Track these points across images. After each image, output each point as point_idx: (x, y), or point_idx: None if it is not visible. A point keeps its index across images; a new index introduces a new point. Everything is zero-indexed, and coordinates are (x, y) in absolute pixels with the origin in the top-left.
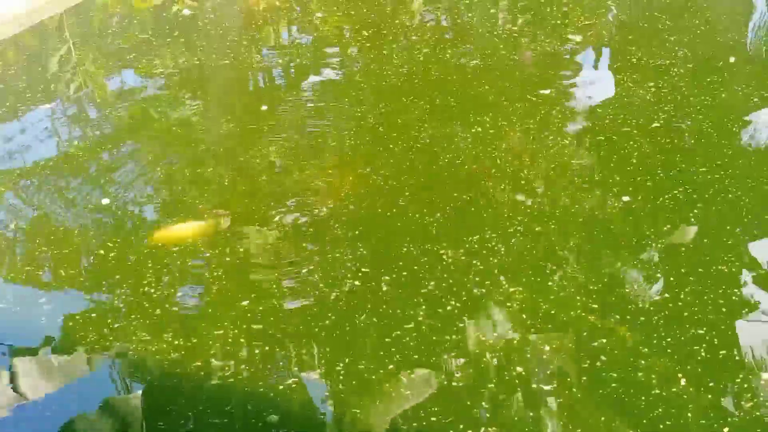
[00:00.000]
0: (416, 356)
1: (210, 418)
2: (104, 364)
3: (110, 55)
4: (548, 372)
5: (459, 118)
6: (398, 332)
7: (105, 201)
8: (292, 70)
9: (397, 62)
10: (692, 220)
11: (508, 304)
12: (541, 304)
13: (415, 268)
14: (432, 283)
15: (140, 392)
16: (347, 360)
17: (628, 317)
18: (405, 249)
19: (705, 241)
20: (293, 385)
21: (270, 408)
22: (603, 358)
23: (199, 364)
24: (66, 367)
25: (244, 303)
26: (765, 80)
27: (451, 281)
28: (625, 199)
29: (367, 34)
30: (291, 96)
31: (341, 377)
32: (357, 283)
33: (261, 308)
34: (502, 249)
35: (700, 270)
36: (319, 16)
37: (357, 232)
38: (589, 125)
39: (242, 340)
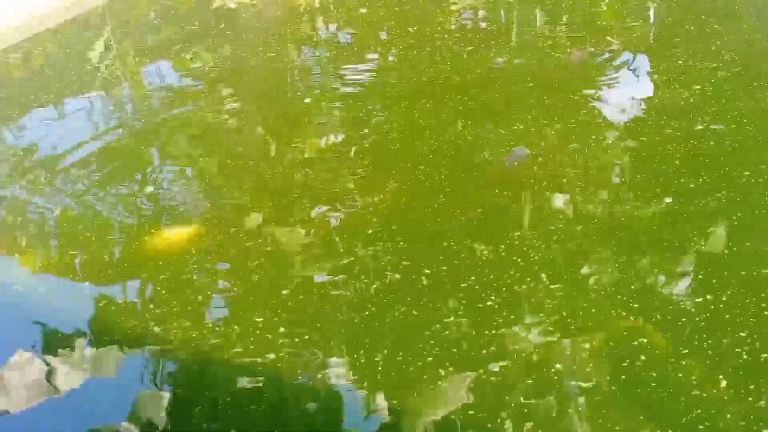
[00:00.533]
0: (455, 350)
1: (246, 405)
2: (139, 354)
3: (151, 47)
4: (586, 370)
5: (501, 115)
6: (437, 325)
7: (150, 189)
8: (333, 66)
9: (439, 59)
10: (735, 223)
11: (548, 301)
12: (580, 302)
13: (456, 263)
14: (472, 278)
15: (168, 391)
16: (386, 351)
17: (669, 318)
18: (445, 244)
19: (747, 244)
20: (332, 375)
21: (308, 397)
22: (642, 357)
23: (239, 350)
24: (101, 356)
25: (284, 292)
26: None
27: (491, 277)
28: (668, 200)
29: (410, 31)
30: (332, 91)
31: (379, 368)
32: (397, 276)
33: (301, 297)
34: (543, 246)
35: (742, 273)
36: (362, 11)
37: (395, 227)
38: (632, 126)
39: (282, 329)
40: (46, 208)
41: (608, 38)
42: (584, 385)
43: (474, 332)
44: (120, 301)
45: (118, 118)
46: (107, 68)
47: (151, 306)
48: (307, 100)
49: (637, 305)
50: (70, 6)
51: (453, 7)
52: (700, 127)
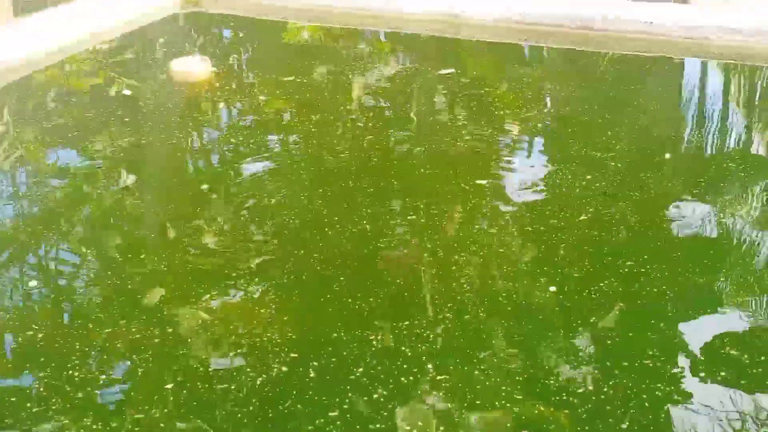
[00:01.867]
0: None
1: None
2: None
3: (47, 133)
4: None
5: (397, 203)
6: (322, 420)
7: (33, 283)
8: (233, 152)
9: (340, 148)
10: (617, 312)
11: (435, 392)
12: (467, 393)
13: (344, 353)
14: (360, 369)
15: None
16: None
17: (552, 409)
18: (335, 335)
19: (630, 334)
20: None
21: None
22: None
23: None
24: None
25: (168, 386)
26: (697, 176)
27: (379, 368)
28: (552, 289)
29: (312, 119)
30: (232, 177)
31: None
32: (284, 368)
33: (184, 392)
34: (431, 336)
35: (624, 363)
36: (262, 99)
37: (286, 317)
38: (520, 216)
39: (162, 425)
40: None
41: (505, 127)
42: None
43: (358, 426)
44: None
45: (11, 203)
46: (3, 152)
47: (28, 404)
48: (204, 187)
49: (521, 396)
50: None
51: (354, 94)
52: (584, 217)
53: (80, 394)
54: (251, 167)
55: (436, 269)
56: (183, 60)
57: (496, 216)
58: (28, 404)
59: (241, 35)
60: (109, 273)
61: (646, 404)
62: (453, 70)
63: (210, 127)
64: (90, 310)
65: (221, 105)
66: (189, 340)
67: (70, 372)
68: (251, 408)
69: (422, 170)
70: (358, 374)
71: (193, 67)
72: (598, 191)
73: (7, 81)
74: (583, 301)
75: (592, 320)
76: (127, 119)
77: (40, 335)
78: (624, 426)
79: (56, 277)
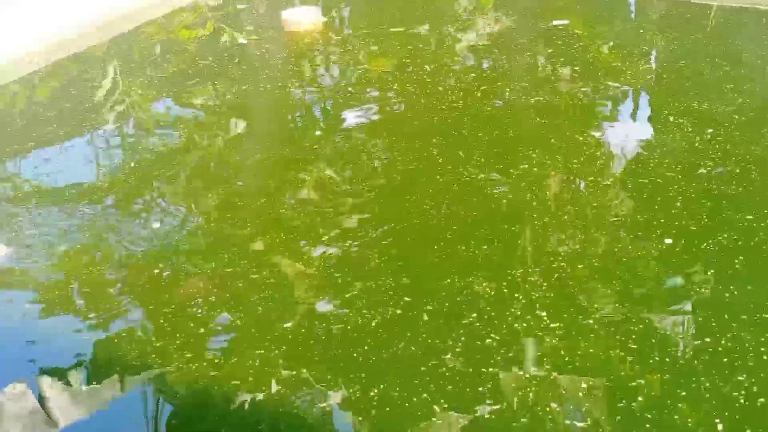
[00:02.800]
0: (450, 387)
1: None
2: (138, 386)
3: (156, 83)
4: (582, 410)
5: (509, 153)
6: (435, 362)
7: (156, 225)
8: (345, 101)
9: (452, 98)
10: (736, 266)
11: (547, 340)
12: (579, 342)
13: (458, 299)
14: (473, 315)
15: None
16: (382, 386)
17: (667, 360)
18: (448, 280)
19: (749, 288)
20: (327, 409)
21: (302, 430)
22: (639, 398)
23: (236, 383)
24: (99, 390)
25: (287, 325)
26: None
27: (492, 314)
28: (668, 241)
29: (425, 69)
30: (344, 126)
31: (374, 403)
32: (398, 311)
33: (303, 331)
34: (544, 285)
35: (743, 317)
36: (373, 49)
37: (401, 263)
38: (635, 167)
39: (280, 361)
40: (50, 239)
41: (613, 81)
42: (579, 425)
43: (471, 370)
44: (122, 334)
45: (122, 153)
46: (114, 104)
47: (153, 338)
48: (318, 133)
49: (635, 346)
50: (77, 39)
51: (458, 47)
52: (702, 171)
53: (201, 330)
54: (363, 116)
55: (548, 218)
56: (293, 10)
57: (610, 167)
58: (153, 338)
59: None
60: (219, 219)
61: (764, 357)
62: (567, 21)
63: (322, 76)
64: (202, 254)
65: (332, 54)
66: (305, 283)
67: (191, 309)
68: (366, 348)
69: (536, 120)
70: (471, 319)
71: (304, 17)
72: (718, 145)
73: (114, 33)
74: (699, 253)
75: (709, 273)
76: (240, 68)
77: (165, 274)
78: (741, 378)
79: (169, 223)
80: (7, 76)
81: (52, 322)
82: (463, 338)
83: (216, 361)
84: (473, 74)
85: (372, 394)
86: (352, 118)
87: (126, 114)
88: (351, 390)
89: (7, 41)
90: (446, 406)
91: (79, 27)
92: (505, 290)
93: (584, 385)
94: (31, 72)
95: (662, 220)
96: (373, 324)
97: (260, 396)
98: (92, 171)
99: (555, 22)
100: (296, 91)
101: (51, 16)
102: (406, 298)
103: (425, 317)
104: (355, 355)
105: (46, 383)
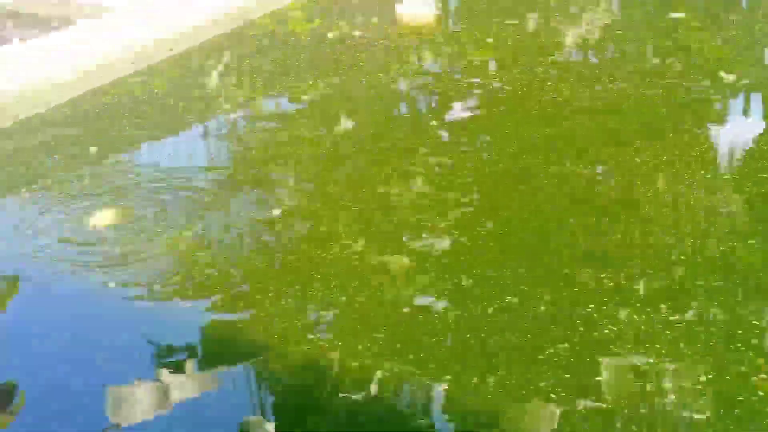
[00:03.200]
0: (567, 375)
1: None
2: (249, 374)
3: (267, 75)
4: (700, 402)
5: (620, 145)
6: (551, 351)
7: (276, 212)
8: (459, 91)
9: (561, 89)
10: None
11: (667, 332)
12: (698, 335)
13: (575, 290)
14: (591, 306)
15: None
16: (499, 374)
17: None
18: (567, 271)
19: None
20: (443, 397)
21: (418, 416)
22: (759, 393)
23: (354, 365)
24: (213, 375)
25: (405, 310)
26: None
27: (611, 305)
28: None
29: (539, 60)
30: (458, 114)
31: (490, 390)
32: (515, 300)
33: (421, 317)
34: (664, 276)
35: None
36: (489, 41)
37: (520, 253)
38: (753, 162)
39: (398, 345)
40: (168, 224)
41: (728, 73)
42: (697, 417)
43: (588, 359)
44: (234, 320)
45: (237, 145)
46: (226, 96)
47: (261, 327)
48: (433, 123)
49: (756, 341)
50: (192, 34)
51: (568, 38)
52: None
53: (312, 316)
54: (472, 107)
55: (665, 212)
56: (407, 3)
57: (727, 161)
58: (241, 337)
59: None
60: (316, 218)
61: None
62: (683, 15)
63: (433, 68)
64: (316, 241)
65: (443, 46)
66: (417, 273)
67: (315, 292)
68: (482, 335)
69: (657, 111)
70: (589, 310)
71: (417, 10)
72: None
73: (226, 28)
74: None
75: None
76: (352, 61)
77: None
78: None
79: (276, 216)
80: (129, 68)
81: (167, 305)
82: (581, 329)
83: (324, 350)
84: (582, 66)
85: (489, 381)
86: (460, 110)
87: (238, 106)
88: (467, 377)
89: (131, 34)
90: (563, 394)
91: (198, 21)
92: (623, 282)
93: (702, 378)
94: (152, 64)
95: None
96: (489, 312)
97: (371, 383)
98: (205, 160)
99: (672, 15)
100: (407, 82)
101: (171, 10)
102: (523, 287)
103: (542, 307)
104: (471, 342)
105: (163, 367)
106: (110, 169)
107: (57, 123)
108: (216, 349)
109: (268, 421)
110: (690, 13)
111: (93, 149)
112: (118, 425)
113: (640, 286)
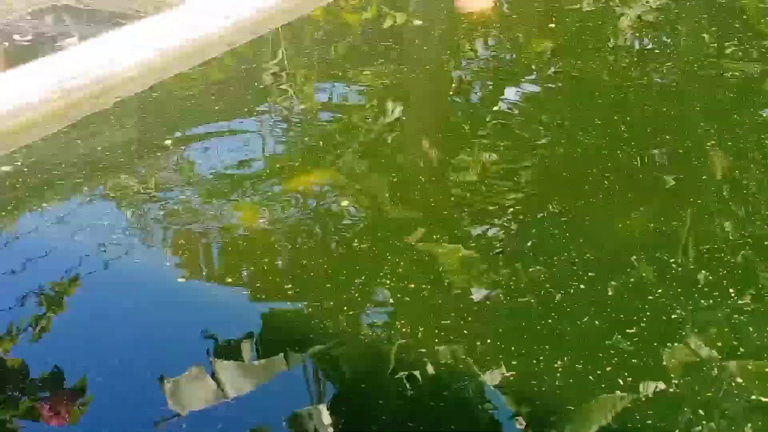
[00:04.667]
0: (635, 360)
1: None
2: (305, 363)
3: (321, 66)
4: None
5: (689, 128)
6: (619, 336)
7: (344, 203)
8: (524, 78)
9: (637, 74)
10: None
11: (735, 317)
12: (762, 326)
13: (644, 275)
14: (659, 290)
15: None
16: (566, 358)
17: None
18: (634, 257)
19: None
20: (511, 379)
21: (482, 401)
22: None
23: (423, 352)
24: (269, 365)
25: (473, 297)
26: None
27: (678, 290)
28: None
29: (605, 46)
30: (497, 109)
31: (558, 375)
32: (582, 286)
33: (489, 303)
34: (732, 261)
35: None
36: (551, 26)
37: (583, 240)
38: None
39: (465, 331)
40: (217, 217)
41: None
42: (765, 400)
43: (655, 344)
44: (290, 309)
45: (291, 134)
46: (281, 87)
47: (318, 315)
48: (489, 112)
49: None
50: (250, 27)
51: (622, 24)
52: None
53: (345, 322)
54: (542, 89)
55: (732, 196)
56: None
57: None
58: (302, 327)
59: None
60: (378, 208)
61: None
62: None
63: (490, 56)
64: (368, 231)
65: (501, 34)
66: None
67: (340, 296)
68: (549, 321)
69: (725, 94)
70: (656, 295)
71: None
72: None
73: (289, 18)
74: None
75: None
76: (407, 50)
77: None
78: None
79: (326, 210)
80: (193, 60)
81: (223, 295)
82: (648, 313)
83: (378, 341)
84: (640, 50)
85: (556, 365)
86: (515, 95)
87: (293, 96)
88: (535, 361)
89: (196, 25)
90: (630, 379)
91: (257, 12)
92: (692, 266)
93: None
94: (210, 57)
95: None
96: (557, 299)
97: (432, 367)
98: (259, 151)
99: None
100: (463, 71)
101: (228, 4)
102: (591, 273)
103: (610, 292)
104: (538, 328)
105: (219, 358)
106: None
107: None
108: None
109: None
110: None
111: None
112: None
113: (710, 271)
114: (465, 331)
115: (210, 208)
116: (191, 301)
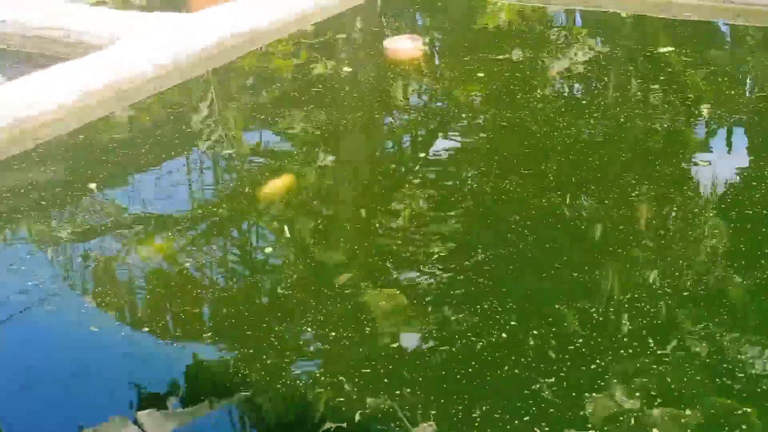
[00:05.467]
0: (552, 410)
1: None
2: (229, 411)
3: (249, 112)
4: None
5: (597, 185)
6: (537, 386)
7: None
8: (435, 126)
9: (543, 124)
10: None
11: (654, 367)
12: (684, 372)
13: (564, 325)
14: (580, 341)
15: None
16: (485, 408)
17: None
18: (557, 306)
19: None
20: (430, 428)
21: None
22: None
23: (338, 400)
24: (191, 413)
25: (393, 345)
26: None
27: (599, 340)
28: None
29: (510, 97)
30: (424, 158)
31: (477, 425)
32: (504, 335)
33: (408, 350)
34: (652, 311)
35: None
36: (480, 75)
37: (505, 289)
38: (737, 197)
39: (384, 381)
40: (139, 265)
41: (706, 108)
42: None
43: (574, 394)
44: (211, 358)
45: (216, 179)
46: (209, 133)
47: (238, 365)
48: (418, 160)
49: (736, 384)
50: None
51: (551, 74)
52: None
53: (272, 370)
54: (457, 142)
55: (651, 246)
56: (394, 39)
57: (712, 196)
58: (229, 372)
59: (438, 17)
60: (305, 254)
61: None
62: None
63: (418, 102)
64: (286, 288)
65: (430, 81)
66: (409, 302)
67: (270, 343)
68: (470, 370)
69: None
70: (577, 344)
71: (404, 45)
72: None
73: (208, 66)
74: None
75: None
76: (335, 96)
77: (242, 308)
78: None
79: (253, 255)
80: (121, 102)
81: (144, 342)
82: (568, 363)
83: (300, 390)
84: (566, 101)
85: (475, 415)
86: (444, 144)
87: (220, 141)
88: (454, 410)
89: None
90: (547, 429)
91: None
92: (612, 317)
93: (683, 421)
94: (142, 98)
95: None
96: (478, 347)
97: (355, 418)
98: (186, 197)
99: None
100: (391, 117)
101: (162, 49)
102: (513, 323)
103: (531, 342)
104: (458, 377)
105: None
106: None
107: None
108: None
109: None
110: (677, 48)
111: None
112: None
113: (630, 321)
114: (384, 380)
115: (131, 252)
116: (111, 349)
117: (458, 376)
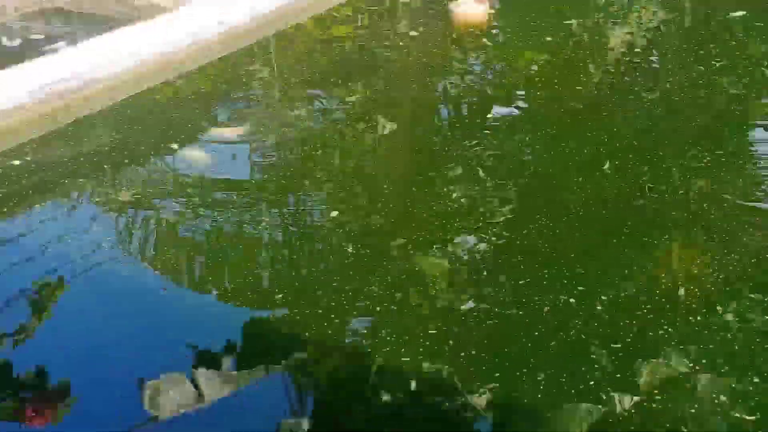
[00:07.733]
0: (618, 375)
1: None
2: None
3: (309, 79)
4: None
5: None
6: (605, 351)
7: (334, 213)
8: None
9: (602, 90)
10: None
11: (722, 333)
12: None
13: (634, 290)
14: (648, 306)
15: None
16: (550, 371)
17: None
18: (626, 271)
19: None
20: (493, 390)
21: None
22: None
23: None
24: (248, 374)
25: (463, 307)
26: None
27: (667, 306)
28: None
29: (572, 63)
30: (484, 124)
31: (541, 388)
32: (571, 300)
33: (475, 314)
34: (720, 277)
35: None
36: (548, 39)
37: (573, 255)
38: None
39: (450, 342)
40: (197, 227)
41: None
42: (749, 418)
43: (640, 359)
44: (269, 319)
45: (271, 149)
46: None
47: (298, 327)
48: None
49: None
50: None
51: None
52: None
53: (330, 331)
54: (518, 110)
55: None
56: (461, 1)
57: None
58: (299, 327)
59: None
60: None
61: None
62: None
63: (482, 69)
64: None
65: (494, 47)
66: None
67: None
68: (536, 334)
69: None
70: (645, 310)
71: (471, 8)
72: None
73: (266, 32)
74: None
75: None
76: (397, 62)
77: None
78: None
79: (309, 222)
80: (187, 66)
81: (207, 303)
82: (635, 329)
83: (358, 353)
84: (626, 68)
85: (539, 378)
86: (505, 111)
87: (280, 109)
88: (518, 374)
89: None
90: (613, 394)
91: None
92: (680, 282)
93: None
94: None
95: None
96: (545, 312)
97: (411, 383)
98: (245, 167)
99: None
100: (452, 82)
101: (221, 13)
102: (580, 288)
103: (599, 307)
104: (524, 340)
105: (199, 366)
106: None
107: None
108: None
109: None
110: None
111: None
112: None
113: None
114: (450, 342)
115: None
116: (174, 309)
117: (523, 340)
